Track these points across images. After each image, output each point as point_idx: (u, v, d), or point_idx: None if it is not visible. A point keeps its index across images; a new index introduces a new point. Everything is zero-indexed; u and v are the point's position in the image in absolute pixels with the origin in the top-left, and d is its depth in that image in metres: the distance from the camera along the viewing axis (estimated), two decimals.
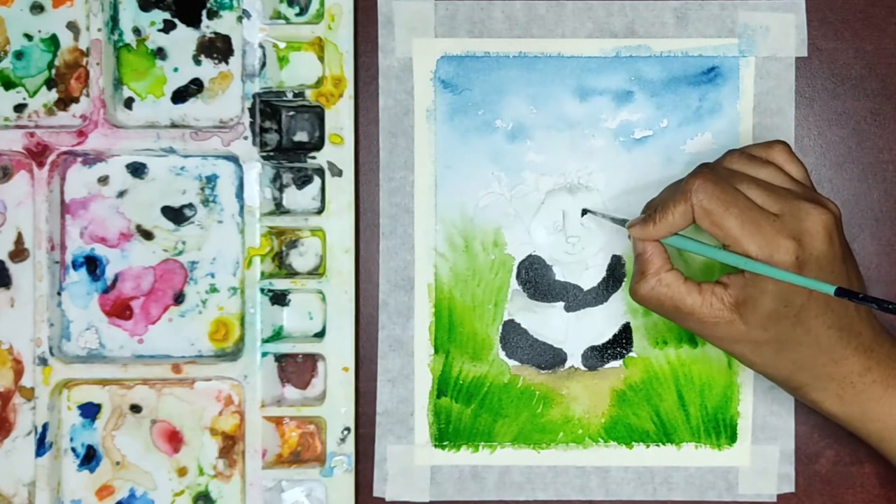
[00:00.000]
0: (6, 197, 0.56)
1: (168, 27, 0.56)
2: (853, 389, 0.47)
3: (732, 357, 0.50)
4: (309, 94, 0.55)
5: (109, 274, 0.57)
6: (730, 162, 0.47)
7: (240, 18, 0.56)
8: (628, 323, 0.56)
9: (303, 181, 0.57)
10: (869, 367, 0.47)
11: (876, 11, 0.56)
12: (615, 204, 0.56)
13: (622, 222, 0.51)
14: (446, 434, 0.56)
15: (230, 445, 0.56)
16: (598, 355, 0.56)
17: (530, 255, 0.56)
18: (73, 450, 0.56)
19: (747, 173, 0.46)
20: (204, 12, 0.56)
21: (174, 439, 0.56)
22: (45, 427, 0.55)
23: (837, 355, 0.46)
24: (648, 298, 0.47)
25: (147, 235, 0.57)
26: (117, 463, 0.56)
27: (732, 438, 0.56)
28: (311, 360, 0.57)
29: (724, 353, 0.54)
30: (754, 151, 0.48)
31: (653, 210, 0.47)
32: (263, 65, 0.55)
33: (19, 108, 0.56)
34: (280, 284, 0.55)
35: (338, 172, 0.55)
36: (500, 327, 0.56)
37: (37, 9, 0.56)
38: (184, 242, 0.57)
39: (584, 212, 0.56)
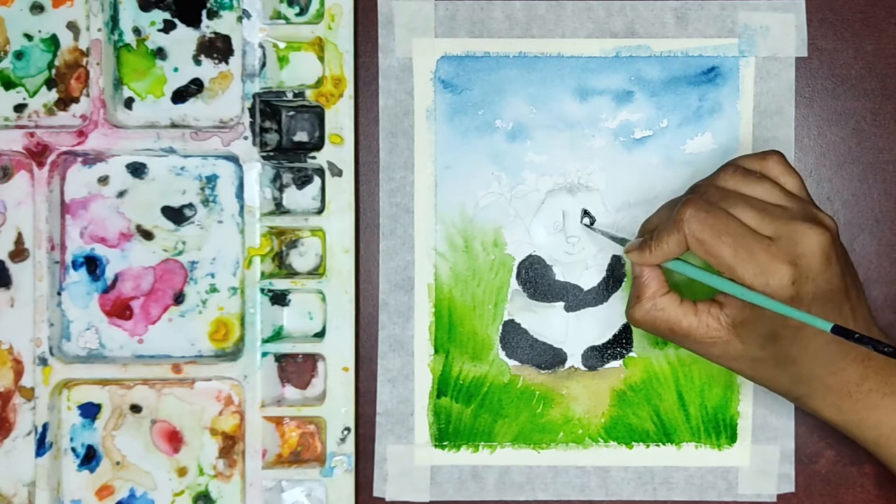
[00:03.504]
0: (6, 197, 0.56)
1: (168, 27, 0.56)
2: (850, 399, 0.47)
3: (731, 371, 0.50)
4: (309, 94, 0.55)
5: (109, 274, 0.57)
6: (723, 179, 0.47)
7: (240, 18, 0.56)
8: (628, 323, 0.56)
9: (303, 181, 0.57)
10: (866, 377, 0.47)
11: (876, 11, 0.56)
12: (615, 204, 0.56)
13: (621, 241, 0.51)
14: (446, 434, 0.56)
15: (230, 445, 0.56)
16: (598, 355, 0.56)
17: (530, 255, 0.56)
18: (73, 450, 0.56)
19: (741, 191, 0.46)
20: (204, 12, 0.56)
21: (174, 439, 0.56)
22: (45, 427, 0.55)
23: (836, 367, 0.46)
24: (644, 322, 0.48)
25: (147, 235, 0.57)
26: (117, 463, 0.56)
27: (732, 438, 0.56)
28: (311, 360, 0.57)
29: None
30: (748, 164, 0.47)
31: (648, 236, 0.47)
32: (263, 65, 0.55)
33: (19, 108, 0.56)
34: (280, 284, 0.55)
35: (338, 172, 0.55)
36: (500, 327, 0.56)
37: (37, 9, 0.56)
38: (184, 242, 0.57)
39: (586, 213, 0.56)
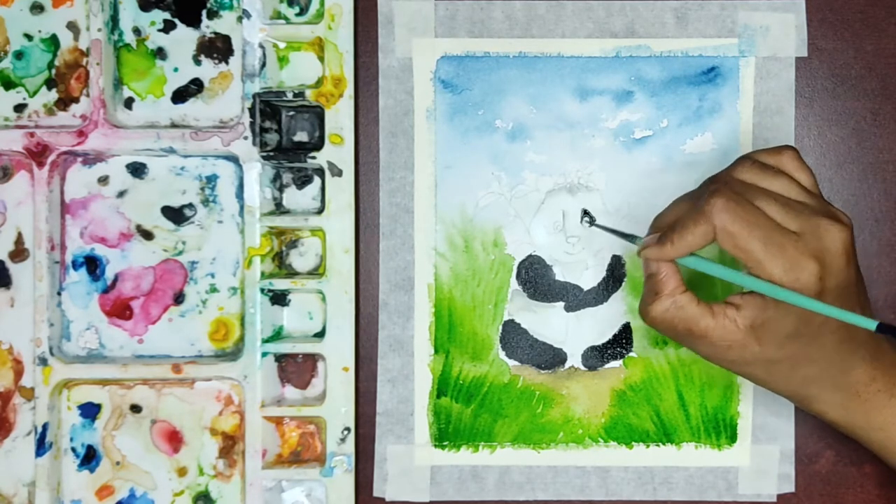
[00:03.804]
0: (6, 197, 0.56)
1: (168, 27, 0.56)
2: (858, 399, 0.47)
3: (742, 377, 0.49)
4: (309, 94, 0.55)
5: (109, 274, 0.57)
6: (741, 172, 0.45)
7: (240, 18, 0.56)
8: (628, 323, 0.56)
9: (303, 181, 0.57)
10: (874, 377, 0.47)
11: (876, 11, 0.56)
12: (615, 204, 0.56)
13: (630, 238, 0.49)
14: (446, 434, 0.56)
15: (230, 445, 0.56)
16: (598, 355, 0.56)
17: (530, 255, 0.56)
18: (73, 450, 0.56)
19: (761, 186, 0.44)
20: (204, 12, 0.56)
21: (174, 439, 0.56)
22: (45, 427, 0.55)
23: (846, 366, 0.46)
24: (661, 321, 0.45)
25: (147, 235, 0.57)
26: (117, 463, 0.56)
27: (732, 438, 0.56)
28: (311, 360, 0.57)
29: None
30: (764, 159, 0.46)
31: (669, 229, 0.45)
32: (263, 65, 0.55)
33: (19, 108, 0.56)
34: (280, 284, 0.55)
35: (338, 172, 0.55)
36: (500, 327, 0.56)
37: (37, 9, 0.56)
38: (184, 242, 0.57)
39: (586, 213, 0.56)
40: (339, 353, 0.55)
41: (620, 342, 0.56)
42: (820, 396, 0.47)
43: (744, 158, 0.46)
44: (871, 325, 0.41)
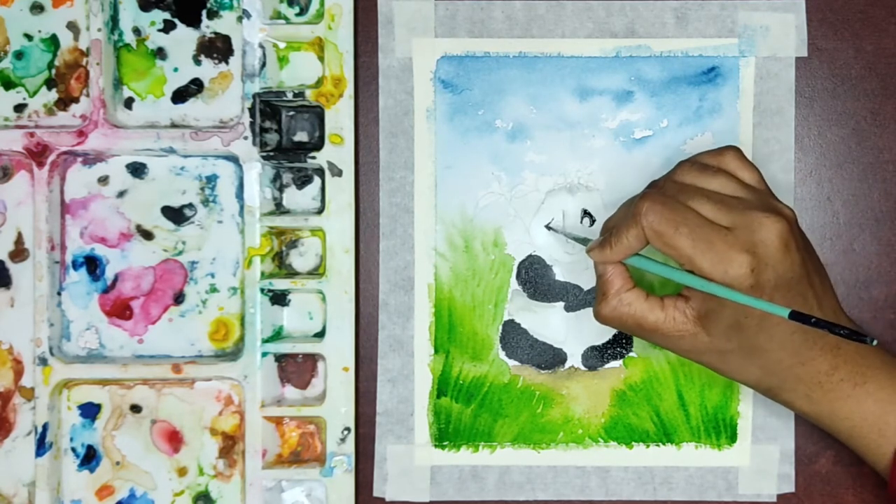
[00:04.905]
0: (6, 197, 0.56)
1: (168, 27, 0.56)
2: (821, 389, 0.47)
3: (701, 366, 0.50)
4: (309, 94, 0.55)
5: (109, 274, 0.57)
6: (681, 175, 0.47)
7: (240, 18, 0.56)
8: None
9: (303, 181, 0.57)
10: (836, 366, 0.47)
11: (876, 11, 0.56)
12: (615, 204, 0.56)
13: (584, 242, 0.51)
14: (446, 434, 0.56)
15: (230, 445, 0.56)
16: (598, 355, 0.56)
17: (530, 255, 0.56)
18: (73, 450, 0.56)
19: (698, 185, 0.46)
20: (204, 12, 0.56)
21: (174, 439, 0.56)
22: (45, 427, 0.55)
23: (804, 357, 0.46)
24: (611, 318, 0.48)
25: (147, 235, 0.57)
26: (117, 463, 0.56)
27: (732, 438, 0.56)
28: (311, 360, 0.57)
29: None
30: (705, 160, 0.48)
31: (608, 233, 0.47)
32: (263, 65, 0.55)
33: (19, 108, 0.56)
34: (280, 284, 0.55)
35: (338, 172, 0.55)
36: (500, 327, 0.56)
37: (37, 9, 0.56)
38: (184, 242, 0.57)
39: (586, 213, 0.56)
40: (339, 353, 0.55)
41: (620, 342, 0.56)
42: (783, 387, 0.47)
43: (685, 161, 0.48)
44: (784, 312, 0.42)
